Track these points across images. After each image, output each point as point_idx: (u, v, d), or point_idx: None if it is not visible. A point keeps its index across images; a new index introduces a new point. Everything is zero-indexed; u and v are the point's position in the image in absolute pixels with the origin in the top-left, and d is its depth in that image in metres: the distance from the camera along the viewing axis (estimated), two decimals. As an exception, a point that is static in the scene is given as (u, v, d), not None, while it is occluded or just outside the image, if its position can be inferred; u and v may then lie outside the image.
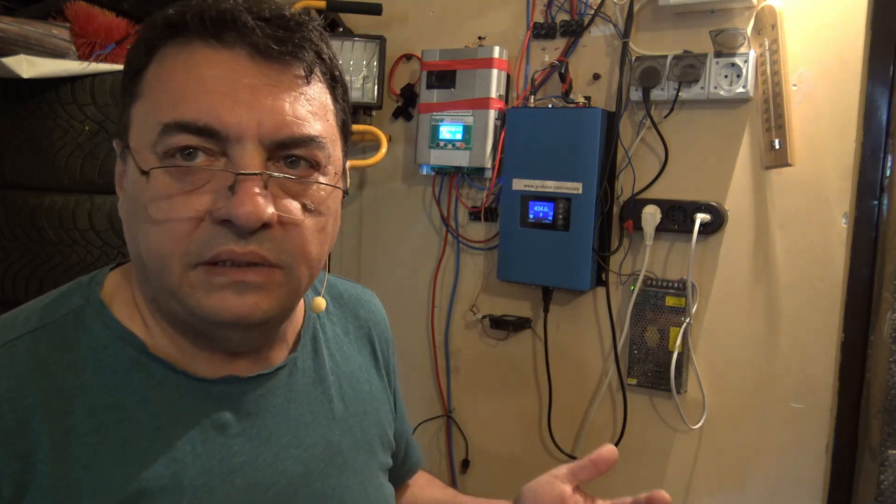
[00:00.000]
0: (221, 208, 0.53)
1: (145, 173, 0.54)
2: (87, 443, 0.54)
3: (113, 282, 0.62)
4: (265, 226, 0.54)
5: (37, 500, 0.51)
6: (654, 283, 1.34)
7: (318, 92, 0.58)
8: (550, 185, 1.37)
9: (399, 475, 0.86)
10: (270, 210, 0.53)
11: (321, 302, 0.67)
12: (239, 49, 0.55)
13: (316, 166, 0.57)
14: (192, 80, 0.54)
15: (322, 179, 0.58)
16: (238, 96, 0.54)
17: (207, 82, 0.54)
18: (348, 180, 0.64)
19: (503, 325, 1.48)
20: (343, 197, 0.63)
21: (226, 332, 0.58)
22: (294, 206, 0.56)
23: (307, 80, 0.57)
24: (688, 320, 1.30)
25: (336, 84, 0.61)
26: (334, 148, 0.60)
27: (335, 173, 0.60)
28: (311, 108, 0.57)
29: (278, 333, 0.64)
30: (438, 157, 1.49)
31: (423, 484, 0.93)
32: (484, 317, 1.52)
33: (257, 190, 0.53)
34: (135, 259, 0.58)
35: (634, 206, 1.34)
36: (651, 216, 1.31)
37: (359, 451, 0.70)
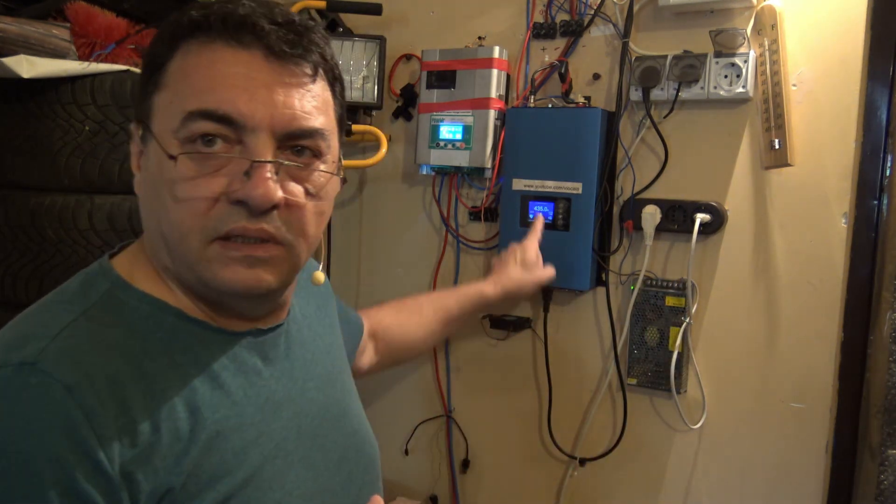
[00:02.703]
0: (238, 190, 0.61)
1: (172, 157, 0.61)
2: (163, 399, 0.61)
3: (124, 263, 0.68)
4: (273, 206, 0.62)
5: (137, 452, 0.58)
6: (654, 283, 1.34)
7: (321, 89, 0.67)
8: (550, 185, 1.37)
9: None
10: (280, 193, 0.62)
11: (320, 275, 0.78)
12: (256, 50, 0.63)
13: (318, 155, 0.66)
14: (214, 74, 0.61)
15: (322, 167, 0.67)
16: (255, 92, 0.61)
17: (228, 78, 0.61)
18: (343, 169, 0.73)
19: (503, 325, 1.48)
20: (342, 184, 0.72)
21: (236, 301, 0.68)
22: (298, 189, 0.65)
23: (313, 78, 0.66)
24: (688, 320, 1.30)
25: (336, 82, 0.70)
26: (333, 139, 0.68)
27: (333, 161, 0.68)
28: (316, 104, 0.65)
29: (282, 299, 0.74)
30: (438, 157, 1.49)
31: (383, 320, 1.17)
32: (484, 317, 1.52)
33: (269, 175, 0.61)
34: (154, 233, 0.66)
35: (634, 206, 1.34)
36: (651, 216, 1.31)
37: (343, 373, 0.86)
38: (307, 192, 0.65)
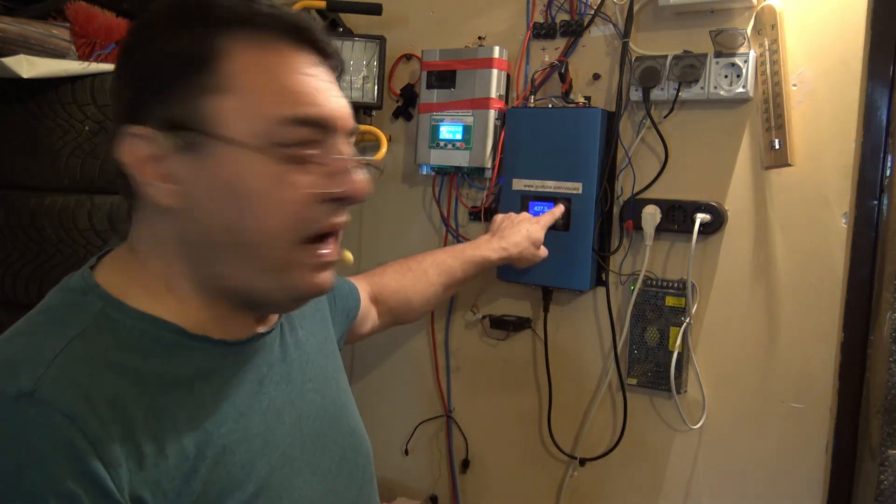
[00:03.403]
0: (342, 188, 0.64)
1: (278, 163, 0.61)
2: (166, 418, 0.60)
3: (113, 279, 0.65)
4: None
5: (144, 474, 0.57)
6: (654, 283, 1.34)
7: None
8: (550, 185, 1.37)
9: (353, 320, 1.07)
10: None
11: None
12: (315, 54, 0.65)
13: None
14: (297, 79, 0.62)
15: None
16: (330, 95, 0.65)
17: (310, 81, 0.63)
18: None
19: (503, 325, 1.48)
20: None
21: (291, 304, 0.70)
22: None
23: (339, 78, 0.69)
24: (688, 320, 1.30)
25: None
26: None
27: None
28: None
29: None
30: (438, 157, 1.49)
31: (380, 283, 1.18)
32: (484, 317, 1.52)
33: (361, 171, 0.66)
34: (211, 244, 0.63)
35: (634, 206, 1.34)
36: (651, 216, 1.31)
37: (337, 370, 0.85)
38: None
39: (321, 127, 0.63)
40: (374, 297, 1.16)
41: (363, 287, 1.13)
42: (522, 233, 1.30)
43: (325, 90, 0.64)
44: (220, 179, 0.61)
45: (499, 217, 1.36)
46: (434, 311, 1.54)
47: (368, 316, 1.14)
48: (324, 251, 0.65)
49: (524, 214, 1.35)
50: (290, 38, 0.63)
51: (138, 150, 0.62)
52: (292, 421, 0.72)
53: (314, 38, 0.64)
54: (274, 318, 0.75)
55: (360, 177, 0.65)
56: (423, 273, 1.23)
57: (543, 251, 1.33)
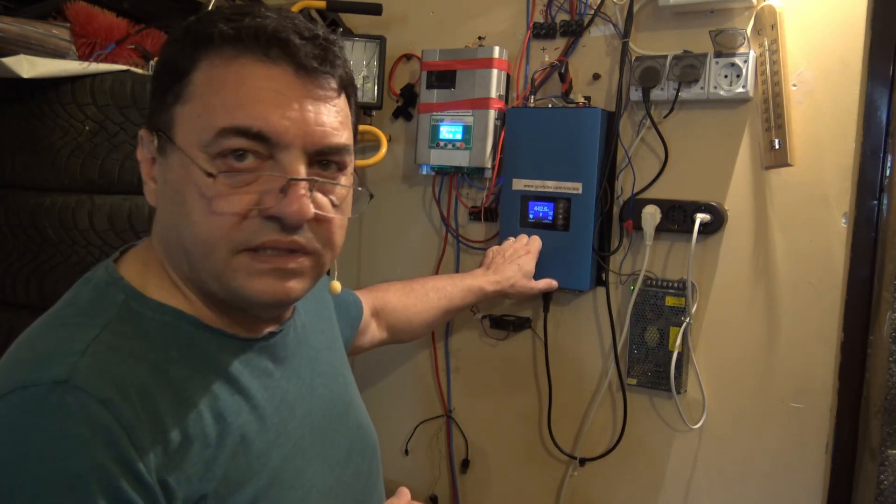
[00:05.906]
0: (272, 207, 0.62)
1: (211, 175, 0.61)
2: (189, 406, 0.62)
3: (134, 272, 0.68)
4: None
5: (169, 460, 0.59)
6: (654, 283, 1.34)
7: (344, 103, 0.68)
8: (550, 185, 1.37)
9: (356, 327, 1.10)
10: (313, 210, 0.63)
11: (337, 284, 0.80)
12: (285, 65, 0.62)
13: (342, 168, 0.67)
14: (246, 90, 0.61)
15: (343, 179, 0.68)
16: (287, 108, 0.62)
17: (260, 93, 0.61)
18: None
19: (503, 325, 1.48)
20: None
21: (259, 309, 0.69)
22: (327, 203, 0.66)
23: (339, 93, 0.67)
24: (688, 320, 1.30)
25: (353, 93, 0.71)
26: (352, 150, 0.70)
27: (351, 172, 0.70)
28: (340, 119, 0.66)
29: None
30: (438, 157, 1.49)
31: (383, 299, 1.21)
32: (484, 317, 1.52)
33: (303, 192, 0.62)
34: (173, 243, 0.66)
35: (634, 206, 1.34)
36: (651, 216, 1.31)
37: (343, 366, 0.87)
38: (332, 204, 0.67)
39: (261, 139, 0.61)
40: (375, 312, 1.19)
41: (365, 300, 1.15)
42: (514, 267, 1.33)
43: (281, 103, 0.61)
44: (170, 183, 0.64)
45: (491, 251, 1.38)
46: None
47: (369, 329, 1.17)
48: (261, 260, 0.63)
49: (516, 246, 1.36)
50: (259, 50, 0.62)
51: (142, 150, 0.68)
52: (303, 414, 0.74)
53: (290, 53, 0.62)
54: (286, 315, 0.77)
55: (299, 198, 0.61)
56: (425, 294, 1.26)
57: (540, 283, 1.35)
